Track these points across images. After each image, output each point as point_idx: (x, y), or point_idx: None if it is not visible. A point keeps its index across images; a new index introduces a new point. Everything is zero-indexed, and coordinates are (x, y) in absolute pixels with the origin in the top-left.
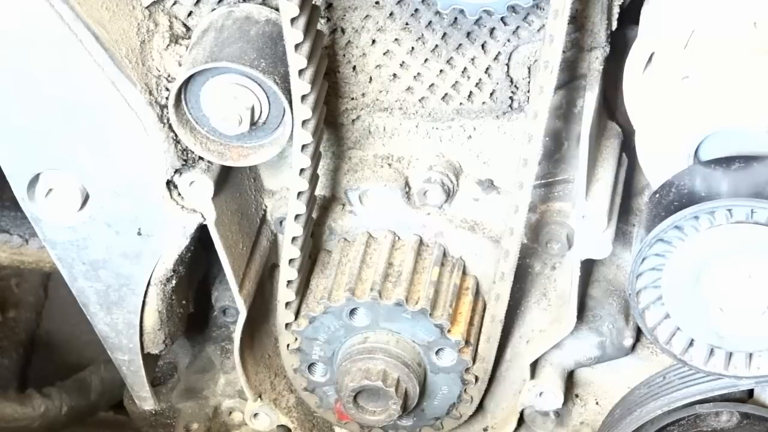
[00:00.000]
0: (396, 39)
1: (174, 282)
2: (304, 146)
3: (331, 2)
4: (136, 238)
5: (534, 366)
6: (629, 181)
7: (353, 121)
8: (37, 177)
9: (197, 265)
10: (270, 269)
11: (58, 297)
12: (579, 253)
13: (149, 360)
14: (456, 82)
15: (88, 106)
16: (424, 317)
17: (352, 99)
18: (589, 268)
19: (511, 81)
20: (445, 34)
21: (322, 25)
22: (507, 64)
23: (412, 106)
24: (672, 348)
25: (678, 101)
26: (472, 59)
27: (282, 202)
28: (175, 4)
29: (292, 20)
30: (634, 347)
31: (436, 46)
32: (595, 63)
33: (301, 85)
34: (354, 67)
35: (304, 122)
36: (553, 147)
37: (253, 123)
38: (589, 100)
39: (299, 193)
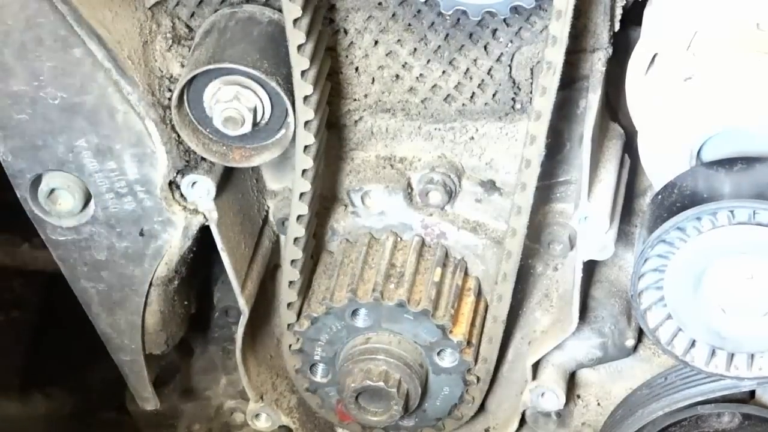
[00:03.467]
0: (399, 40)
1: (176, 283)
2: (306, 147)
3: (334, 3)
4: (139, 239)
5: (536, 367)
6: (631, 182)
7: (356, 122)
8: (39, 177)
9: (199, 265)
10: (272, 270)
11: (61, 297)
12: (581, 254)
13: (151, 360)
14: (458, 83)
15: (91, 107)
16: (426, 318)
17: (355, 100)
18: (591, 269)
19: (514, 82)
20: (447, 35)
21: (324, 26)
22: (509, 66)
23: (414, 107)
24: (674, 349)
25: (681, 102)
26: (475, 60)
27: (284, 202)
28: (177, 5)
29: (295, 21)
30: (635, 348)
31: (439, 47)
32: (597, 64)
33: (303, 86)
34: (356, 68)
35: (306, 123)
36: (556, 148)
37: (255, 124)
38: (591, 102)
39: (301, 194)
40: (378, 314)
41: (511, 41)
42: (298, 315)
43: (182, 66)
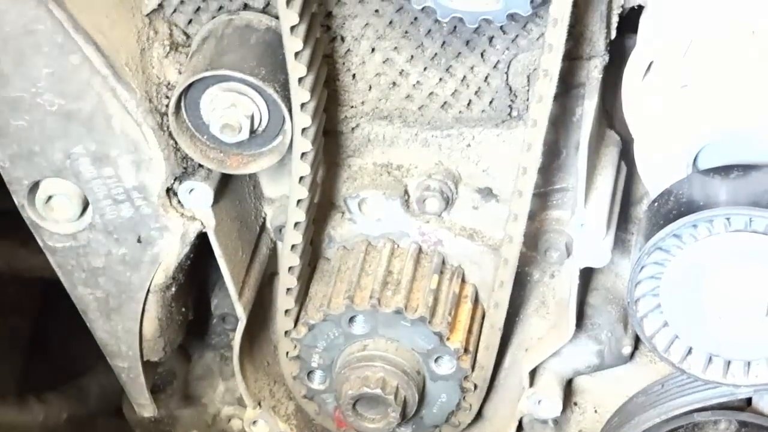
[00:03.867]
0: (396, 47)
1: (173, 289)
2: (303, 154)
3: (331, 10)
4: (136, 246)
5: (533, 374)
6: (628, 190)
7: (353, 129)
8: (37, 184)
9: (196, 272)
10: (269, 277)
11: (58, 303)
12: (578, 261)
13: (148, 367)
14: (455, 90)
15: (88, 114)
16: (423, 325)
17: (352, 107)
18: (587, 276)
19: (510, 89)
20: (444, 42)
21: (321, 33)
22: (506, 73)
23: (411, 114)
24: (670, 356)
25: (677, 109)
26: (472, 67)
27: (281, 209)
28: (175, 12)
29: (292, 28)
30: (632, 355)
31: (436, 54)
32: (594, 71)
33: (300, 93)
34: (354, 75)
35: (303, 130)
36: (552, 155)
37: (252, 131)
38: (588, 109)
39: (299, 201)
40: (375, 321)
41: (508, 48)
42: (296, 322)
43: (179, 73)
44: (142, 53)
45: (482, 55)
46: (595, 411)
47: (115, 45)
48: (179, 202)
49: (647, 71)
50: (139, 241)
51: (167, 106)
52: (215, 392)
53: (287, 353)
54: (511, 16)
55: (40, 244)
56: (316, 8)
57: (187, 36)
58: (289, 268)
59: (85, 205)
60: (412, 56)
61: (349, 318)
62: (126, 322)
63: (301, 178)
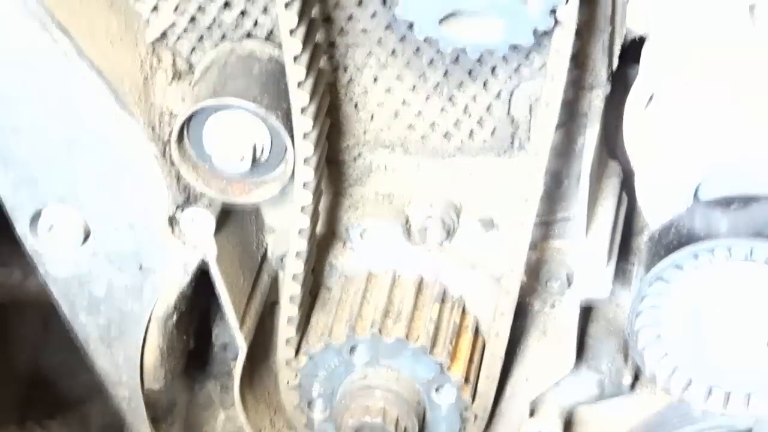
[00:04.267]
0: (398, 76)
1: (175, 318)
2: (305, 183)
3: (334, 40)
4: (138, 274)
5: (533, 404)
6: (629, 221)
7: (355, 158)
8: (39, 213)
9: (198, 300)
10: (270, 306)
11: (59, 331)
12: (579, 291)
13: (149, 396)
14: (457, 119)
15: (91, 142)
16: (424, 354)
17: (354, 136)
18: (588, 306)
19: (512, 119)
20: (446, 71)
21: (324, 62)
22: (508, 102)
23: (413, 144)
24: (671, 387)
25: (678, 141)
26: (474, 97)
27: (283, 238)
28: (178, 40)
29: (295, 58)
30: (633, 386)
31: (438, 83)
32: (595, 102)
33: (303, 123)
34: (356, 105)
35: (306, 159)
36: (554, 185)
37: (255, 160)
38: (589, 139)
39: (300, 230)
40: (376, 350)
41: (510, 78)
42: (297, 351)
43: (182, 101)
44: (145, 81)
45: (484, 84)
46: None
47: (119, 73)
48: (181, 230)
49: (649, 102)
50: (140, 269)
51: (170, 134)
52: (216, 421)
53: (288, 382)
54: (514, 46)
55: (42, 272)
56: (319, 37)
57: (191, 64)
58: (291, 298)
59: (87, 234)
60: (414, 86)
61: (350, 347)
62: (127, 350)
63: (302, 208)
